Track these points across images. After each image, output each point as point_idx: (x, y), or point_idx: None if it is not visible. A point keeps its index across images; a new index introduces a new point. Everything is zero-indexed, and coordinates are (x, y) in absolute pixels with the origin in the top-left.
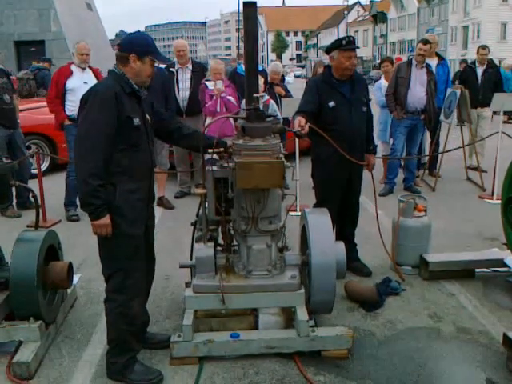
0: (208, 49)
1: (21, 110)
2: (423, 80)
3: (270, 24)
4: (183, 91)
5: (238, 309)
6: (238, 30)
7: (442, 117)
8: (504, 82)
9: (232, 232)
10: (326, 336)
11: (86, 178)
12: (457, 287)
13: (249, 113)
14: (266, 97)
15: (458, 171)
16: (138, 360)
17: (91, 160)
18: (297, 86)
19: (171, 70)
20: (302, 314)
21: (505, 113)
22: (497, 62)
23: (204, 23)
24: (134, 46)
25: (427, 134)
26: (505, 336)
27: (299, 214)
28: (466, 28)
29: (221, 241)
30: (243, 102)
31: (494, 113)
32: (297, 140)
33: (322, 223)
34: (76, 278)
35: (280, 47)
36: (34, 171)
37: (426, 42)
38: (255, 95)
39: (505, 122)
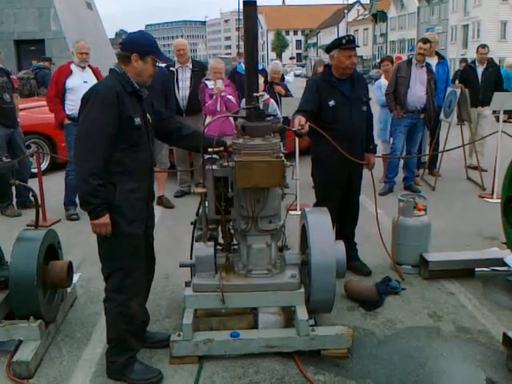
0: (208, 48)
1: (21, 109)
2: (423, 79)
3: (270, 23)
4: (183, 90)
5: (238, 308)
6: (237, 29)
7: (441, 116)
8: (506, 81)
9: (232, 231)
10: (325, 335)
11: (86, 177)
12: (456, 286)
13: (249, 112)
14: (266, 96)
15: (457, 170)
16: (138, 359)
17: (92, 159)
18: (297, 85)
19: (171, 69)
20: (302, 313)
21: (504, 112)
22: (497, 61)
23: (204, 22)
24: (136, 45)
25: (427, 133)
26: (504, 335)
27: (299, 213)
28: (466, 27)
29: (221, 240)
30: (243, 101)
31: (494, 112)
32: (297, 139)
33: (321, 222)
34: (76, 277)
35: (280, 46)
36: (34, 170)
37: (426, 41)
38: (255, 94)
39: (504, 122)
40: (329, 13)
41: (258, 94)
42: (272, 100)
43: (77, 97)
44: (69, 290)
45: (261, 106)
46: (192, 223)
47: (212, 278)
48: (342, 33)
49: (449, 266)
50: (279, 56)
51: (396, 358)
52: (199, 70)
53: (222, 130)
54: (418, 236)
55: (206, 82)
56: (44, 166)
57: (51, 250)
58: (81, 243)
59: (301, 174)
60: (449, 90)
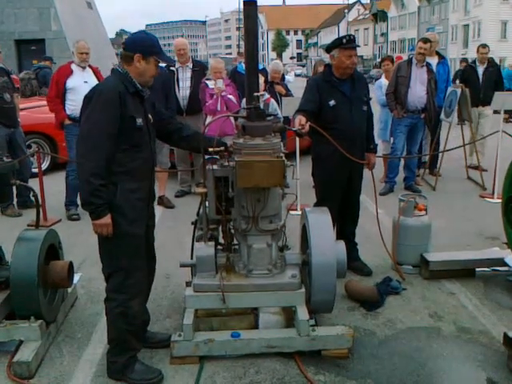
0: (208, 47)
1: (21, 109)
2: (423, 79)
3: (270, 23)
4: (183, 90)
5: (239, 308)
6: (238, 28)
7: (442, 116)
8: (508, 81)
9: (232, 231)
10: (326, 335)
11: (87, 177)
12: (457, 286)
13: (249, 112)
14: (267, 96)
15: (458, 170)
16: (139, 359)
17: (93, 159)
18: (297, 85)
19: (171, 68)
20: (303, 313)
21: (505, 111)
22: (497, 61)
23: (204, 22)
24: (138, 45)
25: (428, 133)
26: (505, 335)
27: (300, 213)
28: (466, 27)
29: (221, 240)
30: (244, 100)
31: (495, 112)
32: (297, 139)
33: (322, 222)
34: (76, 278)
35: (280, 46)
36: (35, 170)
37: (426, 40)
38: (256, 94)
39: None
40: (329, 12)
41: (258, 94)
42: (272, 100)
43: (77, 97)
44: (69, 290)
45: (261, 106)
46: (192, 223)
47: (213, 278)
48: (343, 32)
49: (449, 266)
50: (279, 56)
51: (396, 358)
52: (200, 70)
53: (223, 129)
54: (418, 236)
55: (207, 81)
56: (45, 165)
57: (52, 250)
58: (81, 243)
59: (301, 173)
60: (449, 89)
